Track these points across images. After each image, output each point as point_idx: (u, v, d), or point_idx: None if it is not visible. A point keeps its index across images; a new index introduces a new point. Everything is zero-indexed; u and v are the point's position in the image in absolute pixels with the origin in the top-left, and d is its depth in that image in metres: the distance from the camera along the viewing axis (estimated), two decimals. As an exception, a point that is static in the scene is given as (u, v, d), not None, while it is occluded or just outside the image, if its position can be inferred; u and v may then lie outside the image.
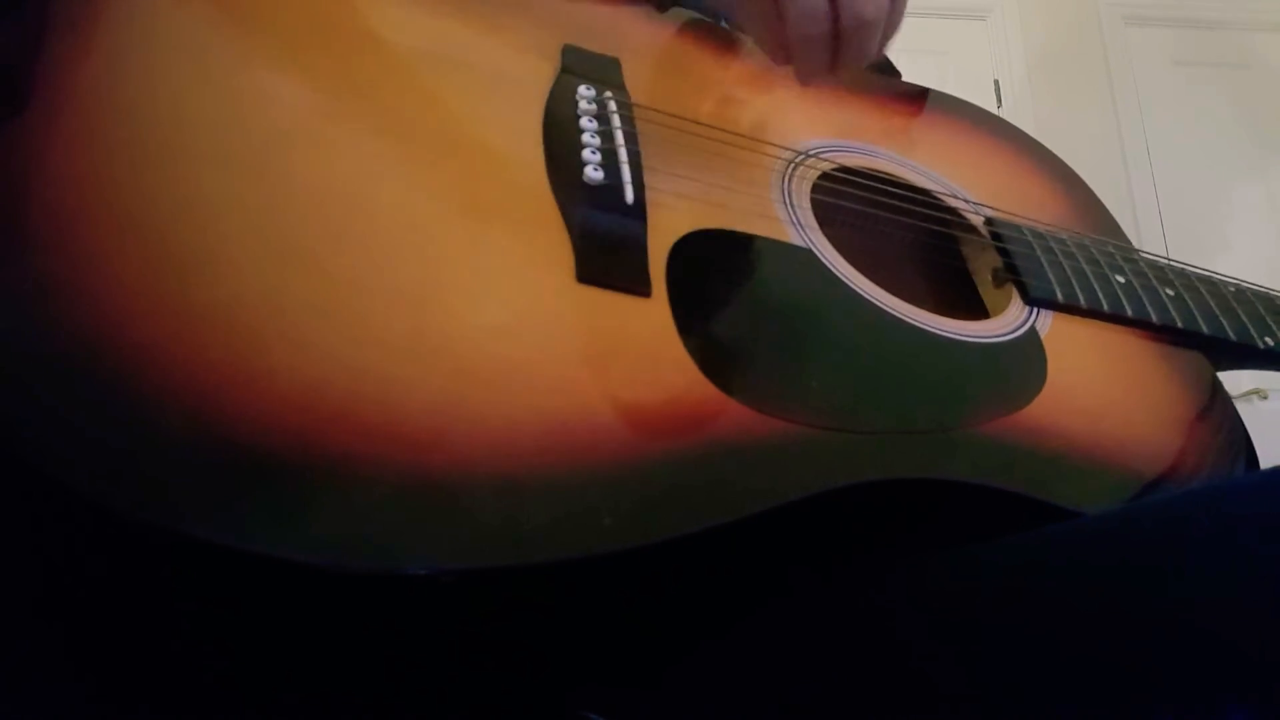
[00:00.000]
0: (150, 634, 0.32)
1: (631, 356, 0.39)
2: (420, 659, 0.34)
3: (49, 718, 0.32)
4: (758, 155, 0.53)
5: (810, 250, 0.49)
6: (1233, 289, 0.59)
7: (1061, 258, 0.55)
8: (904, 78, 0.72)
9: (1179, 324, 0.53)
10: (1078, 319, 0.52)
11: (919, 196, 0.57)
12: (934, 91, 0.69)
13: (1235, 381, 2.10)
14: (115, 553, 0.30)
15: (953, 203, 0.58)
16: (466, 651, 0.34)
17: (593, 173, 0.44)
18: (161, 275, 0.33)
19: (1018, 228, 0.57)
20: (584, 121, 0.47)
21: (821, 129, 0.59)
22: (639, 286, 0.41)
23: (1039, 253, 0.55)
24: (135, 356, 0.30)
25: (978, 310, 0.55)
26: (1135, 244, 0.62)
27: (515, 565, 0.31)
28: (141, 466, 0.29)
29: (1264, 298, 0.59)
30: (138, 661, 0.32)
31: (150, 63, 0.40)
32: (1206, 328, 0.54)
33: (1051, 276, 0.53)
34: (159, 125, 0.38)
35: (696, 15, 0.63)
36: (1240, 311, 0.56)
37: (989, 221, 0.57)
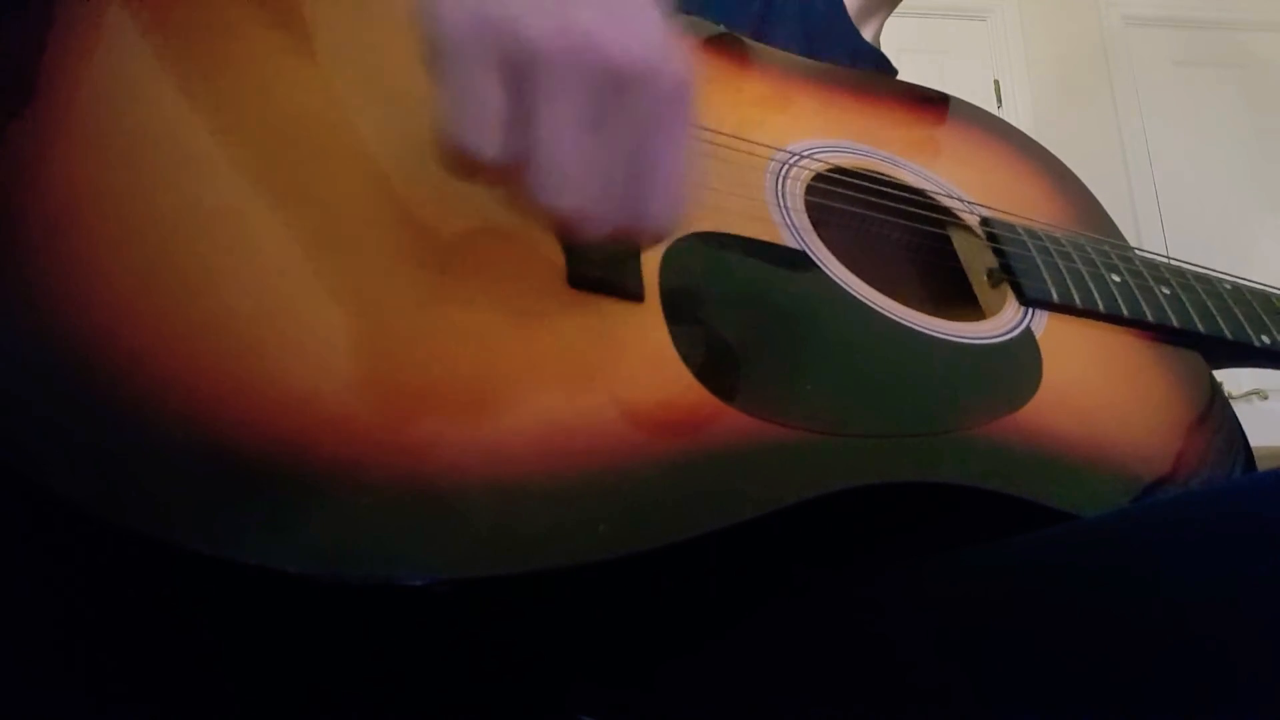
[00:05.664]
0: (142, 642, 0.32)
1: (624, 362, 0.39)
2: (415, 664, 0.33)
3: None
4: (751, 157, 0.53)
5: (804, 253, 0.49)
6: (1229, 287, 0.58)
7: (1057, 257, 0.55)
8: (903, 78, 0.72)
9: (1175, 323, 0.53)
10: (1073, 319, 0.52)
11: (914, 196, 0.57)
12: (929, 90, 0.69)
13: (1235, 382, 2.10)
14: (108, 560, 0.30)
15: (948, 202, 0.58)
16: (462, 656, 0.34)
17: None
18: (156, 283, 0.33)
19: (1013, 227, 0.56)
20: None
21: (816, 129, 0.58)
22: (631, 291, 0.41)
23: (1034, 252, 0.54)
24: (129, 364, 0.30)
25: (974, 311, 0.54)
26: (1135, 244, 0.61)
27: (511, 574, 0.31)
28: (134, 475, 0.28)
29: (1260, 296, 0.59)
30: (133, 669, 0.32)
31: (145, 69, 0.40)
32: (1203, 326, 0.54)
33: (1047, 276, 0.53)
34: (154, 133, 0.38)
35: (691, 17, 0.63)
36: (1237, 310, 0.56)
37: (984, 221, 0.57)
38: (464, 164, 0.34)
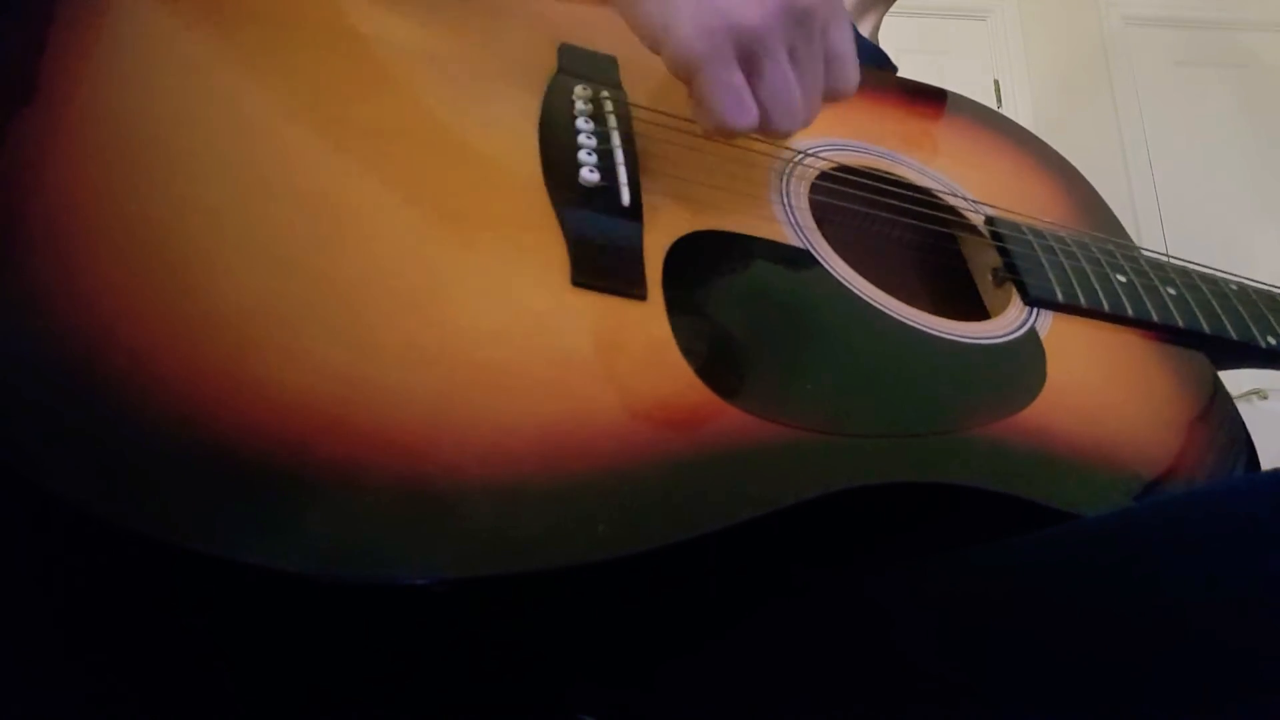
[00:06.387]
0: (142, 642, 0.31)
1: (626, 361, 0.39)
2: (415, 664, 0.33)
3: None
4: (755, 155, 0.52)
5: (808, 251, 0.49)
6: (1235, 287, 0.58)
7: (1062, 257, 0.54)
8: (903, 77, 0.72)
9: (1180, 323, 0.53)
10: (1078, 319, 0.52)
11: (918, 195, 0.57)
12: (933, 88, 0.69)
13: (1235, 382, 2.09)
14: (108, 560, 0.30)
15: (952, 201, 0.58)
16: (462, 656, 0.34)
17: (588, 174, 0.44)
18: (155, 282, 0.33)
19: (1017, 226, 0.56)
20: (580, 122, 0.47)
21: (820, 128, 0.58)
22: (634, 289, 0.41)
23: (1039, 252, 0.54)
24: (127, 364, 0.30)
25: (978, 310, 0.54)
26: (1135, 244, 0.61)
27: (509, 574, 0.31)
28: (134, 475, 0.28)
29: (1266, 296, 0.59)
30: (133, 669, 0.32)
31: (144, 67, 0.40)
32: (1208, 327, 0.54)
33: (1051, 276, 0.53)
34: (153, 131, 0.38)
35: None
36: (1242, 310, 0.56)
37: (989, 220, 0.57)
38: (735, 137, 0.46)
